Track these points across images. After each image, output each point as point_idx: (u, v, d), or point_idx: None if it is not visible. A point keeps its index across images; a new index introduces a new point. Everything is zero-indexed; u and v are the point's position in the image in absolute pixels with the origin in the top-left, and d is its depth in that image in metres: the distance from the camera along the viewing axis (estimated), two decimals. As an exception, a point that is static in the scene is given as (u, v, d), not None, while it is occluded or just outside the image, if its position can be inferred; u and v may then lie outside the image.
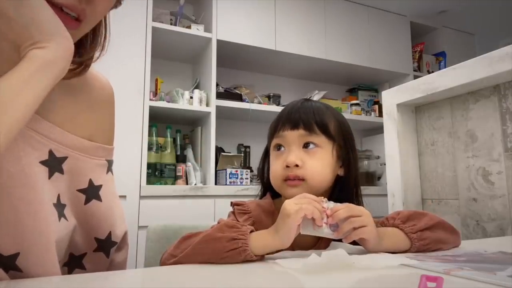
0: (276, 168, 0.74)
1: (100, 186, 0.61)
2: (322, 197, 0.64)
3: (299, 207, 0.59)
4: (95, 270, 0.63)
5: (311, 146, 0.72)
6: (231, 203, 0.77)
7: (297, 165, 0.71)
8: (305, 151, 0.72)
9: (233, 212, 0.76)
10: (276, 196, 0.79)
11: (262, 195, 0.83)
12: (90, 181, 0.59)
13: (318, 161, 0.72)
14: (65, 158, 0.55)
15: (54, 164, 0.54)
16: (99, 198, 0.61)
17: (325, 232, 0.61)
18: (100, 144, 0.61)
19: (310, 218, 0.60)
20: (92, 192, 0.60)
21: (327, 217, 0.61)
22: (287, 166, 0.71)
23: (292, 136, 0.73)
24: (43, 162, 0.52)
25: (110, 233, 0.64)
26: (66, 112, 0.58)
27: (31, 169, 0.50)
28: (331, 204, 0.63)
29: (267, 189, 0.82)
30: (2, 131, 0.40)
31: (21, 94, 0.42)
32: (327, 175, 0.73)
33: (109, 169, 0.64)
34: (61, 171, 0.55)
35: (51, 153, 0.53)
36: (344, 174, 0.76)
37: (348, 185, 0.76)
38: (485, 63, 1.19)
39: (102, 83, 0.65)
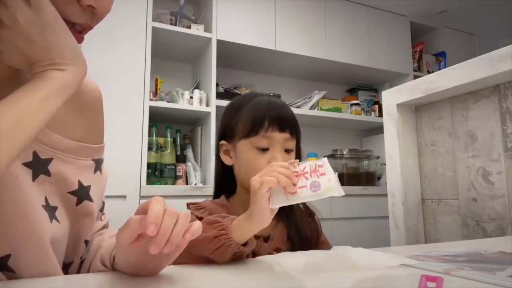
0: (261, 168, 0.74)
1: (89, 186, 0.60)
2: (294, 160, 0.61)
3: (261, 180, 0.57)
4: None
5: (290, 152, 0.79)
6: (187, 204, 0.81)
7: None
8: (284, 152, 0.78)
9: (191, 212, 0.78)
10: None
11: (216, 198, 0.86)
12: (80, 182, 0.59)
13: None
14: (50, 160, 0.54)
15: (38, 166, 0.53)
16: (90, 199, 0.60)
17: (304, 195, 0.56)
18: (86, 144, 0.60)
19: (281, 188, 0.57)
20: (82, 193, 0.59)
21: (306, 179, 0.56)
22: None
23: (279, 138, 0.77)
24: (26, 164, 0.51)
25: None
26: (54, 115, 0.57)
27: (15, 170, 0.49)
28: (302, 164, 0.58)
29: (221, 191, 0.85)
30: (19, 146, 0.41)
31: (38, 113, 0.43)
32: None
33: (97, 168, 0.63)
34: (47, 173, 0.54)
35: (35, 154, 0.52)
36: None
37: None
38: (485, 63, 1.19)
39: (90, 87, 0.64)
